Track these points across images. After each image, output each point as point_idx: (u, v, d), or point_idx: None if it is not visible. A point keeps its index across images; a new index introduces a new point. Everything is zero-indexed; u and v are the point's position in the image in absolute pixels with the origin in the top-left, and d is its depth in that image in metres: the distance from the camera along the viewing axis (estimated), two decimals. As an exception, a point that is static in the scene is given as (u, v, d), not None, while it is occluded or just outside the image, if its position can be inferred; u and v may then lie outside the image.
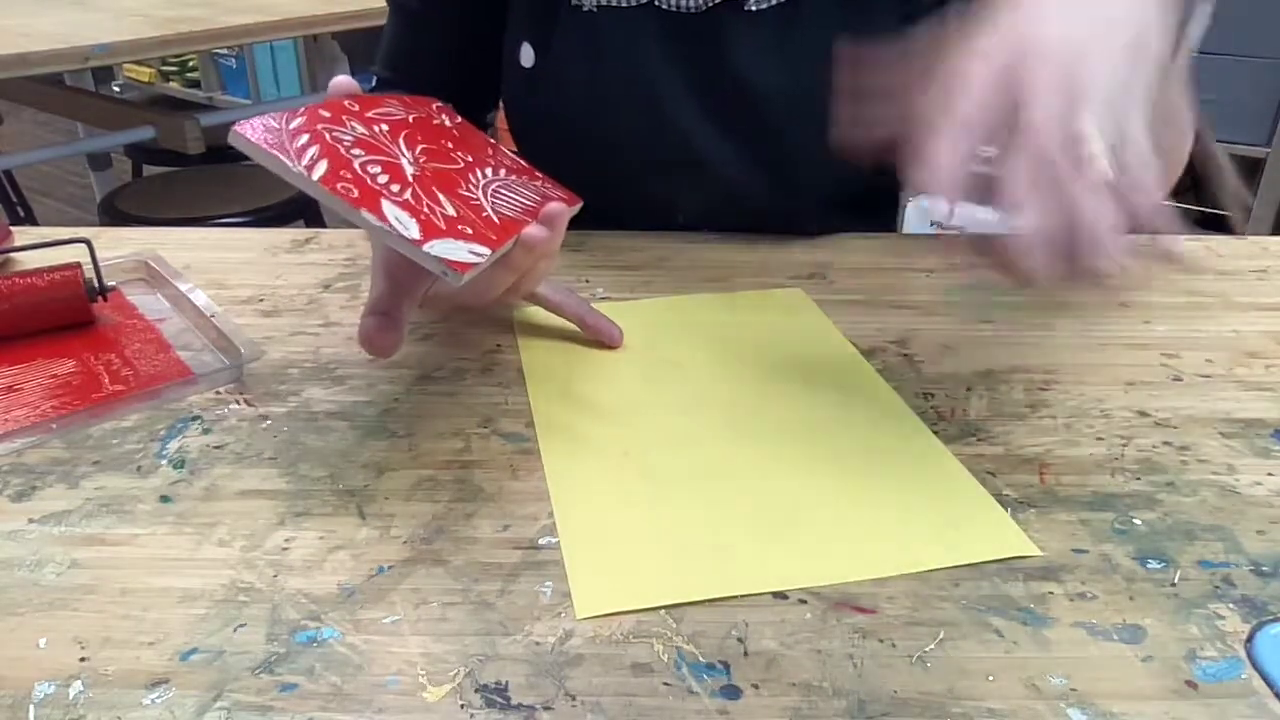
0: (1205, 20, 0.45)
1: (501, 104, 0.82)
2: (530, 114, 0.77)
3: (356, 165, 0.45)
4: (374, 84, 0.81)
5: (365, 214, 0.43)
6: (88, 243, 0.62)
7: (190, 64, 4.18)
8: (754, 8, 0.69)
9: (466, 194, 0.49)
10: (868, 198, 0.85)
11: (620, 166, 0.74)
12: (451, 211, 0.47)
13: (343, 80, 0.51)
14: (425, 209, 0.45)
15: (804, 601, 0.40)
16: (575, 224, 0.56)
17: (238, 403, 0.53)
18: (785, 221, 0.78)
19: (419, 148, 0.50)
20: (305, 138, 0.44)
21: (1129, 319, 0.63)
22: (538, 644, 0.37)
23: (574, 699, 0.35)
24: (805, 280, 0.69)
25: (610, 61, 0.72)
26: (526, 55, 0.75)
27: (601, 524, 0.44)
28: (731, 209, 0.76)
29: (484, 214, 0.48)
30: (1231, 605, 0.40)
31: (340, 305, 0.65)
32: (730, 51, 0.71)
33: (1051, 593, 0.40)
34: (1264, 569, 0.42)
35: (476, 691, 0.35)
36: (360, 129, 0.48)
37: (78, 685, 0.35)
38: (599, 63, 0.72)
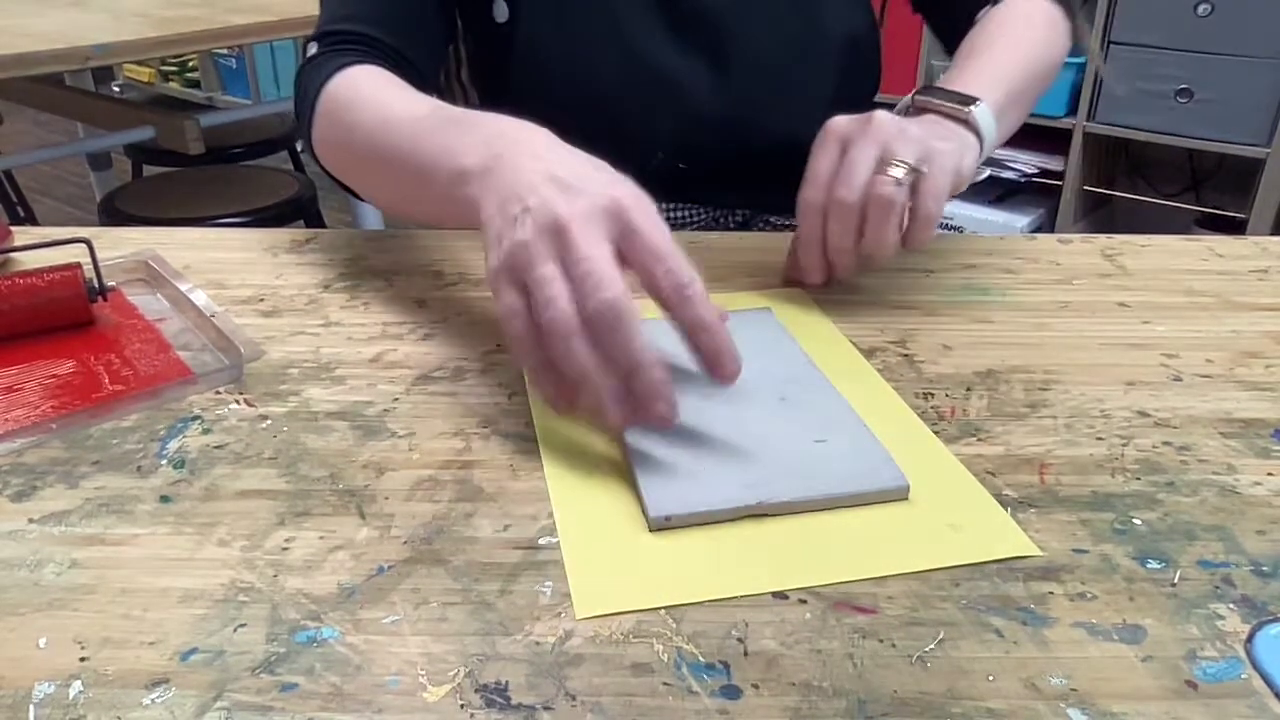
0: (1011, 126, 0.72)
1: (466, 62, 0.88)
2: (506, 69, 0.81)
3: None
4: (315, 46, 0.74)
5: None
6: (88, 243, 0.62)
7: (190, 64, 4.18)
8: None
9: None
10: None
11: (597, 108, 0.79)
12: None
13: None
14: None
15: (804, 601, 0.40)
16: None
17: (238, 403, 0.53)
18: (762, 147, 0.83)
19: None
20: None
21: (1129, 319, 0.63)
22: (538, 644, 0.37)
23: (574, 699, 0.35)
24: (805, 280, 0.69)
25: (580, 5, 0.79)
26: (500, 10, 0.80)
27: (601, 524, 0.44)
28: (705, 137, 0.82)
29: None
30: (1231, 605, 0.40)
31: (340, 305, 0.65)
32: None
33: (1051, 593, 0.40)
34: (1264, 569, 0.42)
35: (476, 691, 0.35)
36: None
37: (78, 685, 0.35)
38: (570, 8, 0.78)
